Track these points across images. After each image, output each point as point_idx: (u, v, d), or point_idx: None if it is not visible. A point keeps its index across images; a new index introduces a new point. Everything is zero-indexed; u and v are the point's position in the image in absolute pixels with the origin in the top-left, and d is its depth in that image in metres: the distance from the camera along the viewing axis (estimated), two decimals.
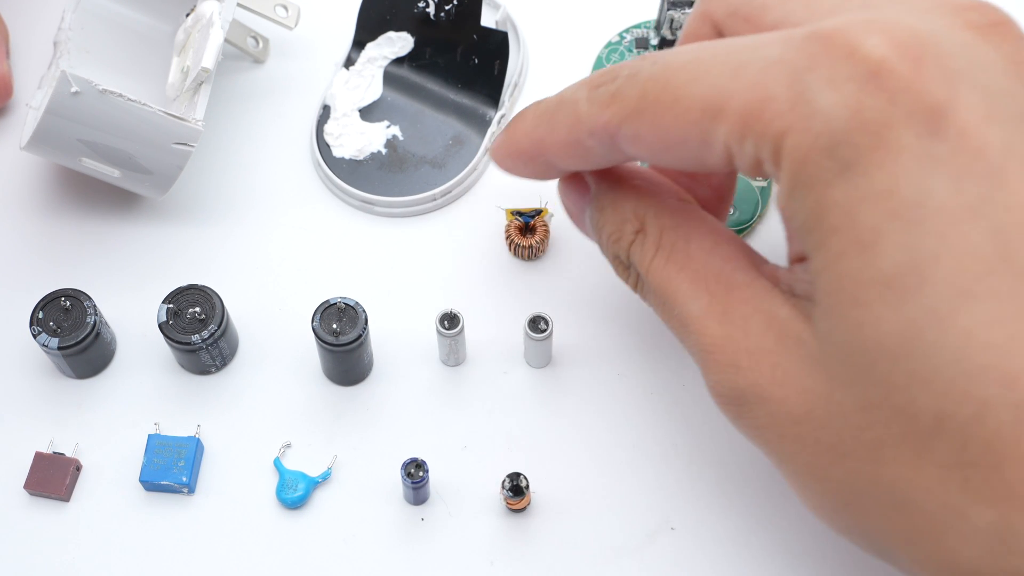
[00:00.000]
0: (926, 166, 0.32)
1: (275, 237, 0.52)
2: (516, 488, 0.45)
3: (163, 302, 0.47)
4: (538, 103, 0.42)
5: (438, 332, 0.47)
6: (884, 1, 0.36)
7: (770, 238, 0.52)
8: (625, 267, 0.42)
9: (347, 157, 0.53)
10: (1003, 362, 0.31)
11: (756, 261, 0.39)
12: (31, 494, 0.46)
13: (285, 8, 0.54)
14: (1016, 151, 0.32)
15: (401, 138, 0.53)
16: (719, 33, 0.40)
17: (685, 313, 0.39)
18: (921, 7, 0.36)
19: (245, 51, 0.55)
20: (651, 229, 0.41)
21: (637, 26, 0.56)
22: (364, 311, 0.46)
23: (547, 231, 0.51)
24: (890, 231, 0.32)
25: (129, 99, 0.46)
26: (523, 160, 0.43)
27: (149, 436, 0.47)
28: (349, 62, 0.55)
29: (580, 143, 0.40)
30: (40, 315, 0.47)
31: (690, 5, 0.53)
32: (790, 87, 0.34)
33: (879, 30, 0.33)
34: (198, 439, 0.47)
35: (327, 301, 0.46)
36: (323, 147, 0.53)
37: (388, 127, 0.53)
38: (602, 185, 0.42)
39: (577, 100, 0.40)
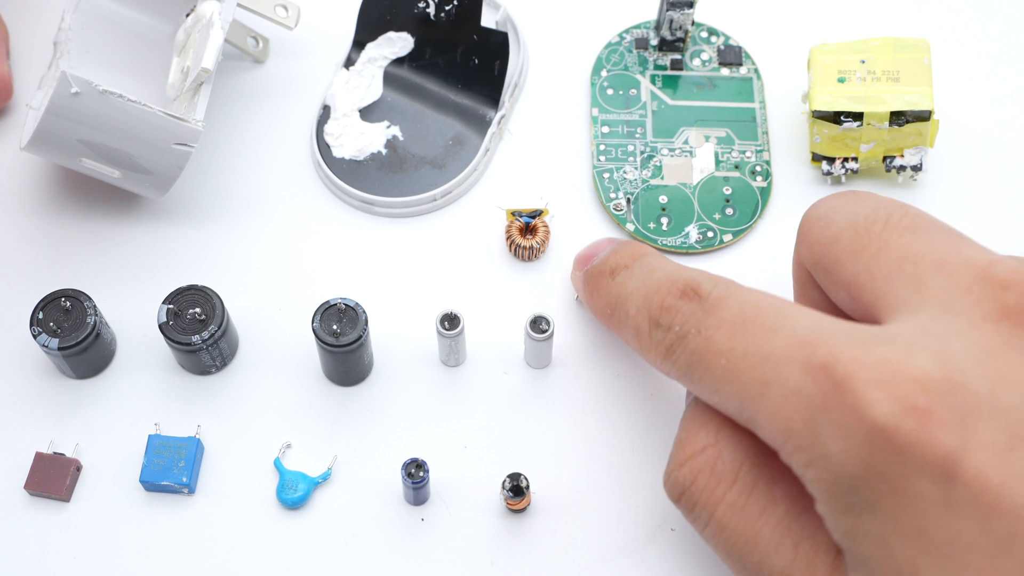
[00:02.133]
0: (948, 510, 0.33)
1: (275, 237, 0.52)
2: (516, 488, 0.45)
3: (163, 302, 0.47)
4: (604, 271, 0.45)
5: (438, 332, 0.47)
6: (923, 286, 0.37)
7: (770, 238, 0.52)
8: (690, 506, 0.41)
9: (347, 157, 0.53)
10: None
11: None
12: (31, 494, 0.46)
13: (285, 8, 0.53)
14: None
15: (401, 138, 0.53)
16: (811, 278, 0.42)
17: (767, 565, 0.38)
18: (960, 289, 0.36)
19: (245, 51, 0.55)
20: (728, 456, 0.40)
21: (637, 26, 0.56)
22: (364, 312, 0.46)
23: (548, 231, 0.51)
24: (926, 565, 0.33)
25: (129, 99, 0.46)
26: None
27: (149, 436, 0.47)
28: (349, 62, 0.55)
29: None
30: (40, 315, 0.47)
31: (689, 6, 0.53)
32: (807, 425, 0.35)
33: (886, 382, 0.34)
34: (198, 439, 0.47)
35: (327, 302, 0.46)
36: (323, 147, 0.53)
37: (388, 127, 0.53)
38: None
39: (639, 326, 0.42)
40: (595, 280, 0.46)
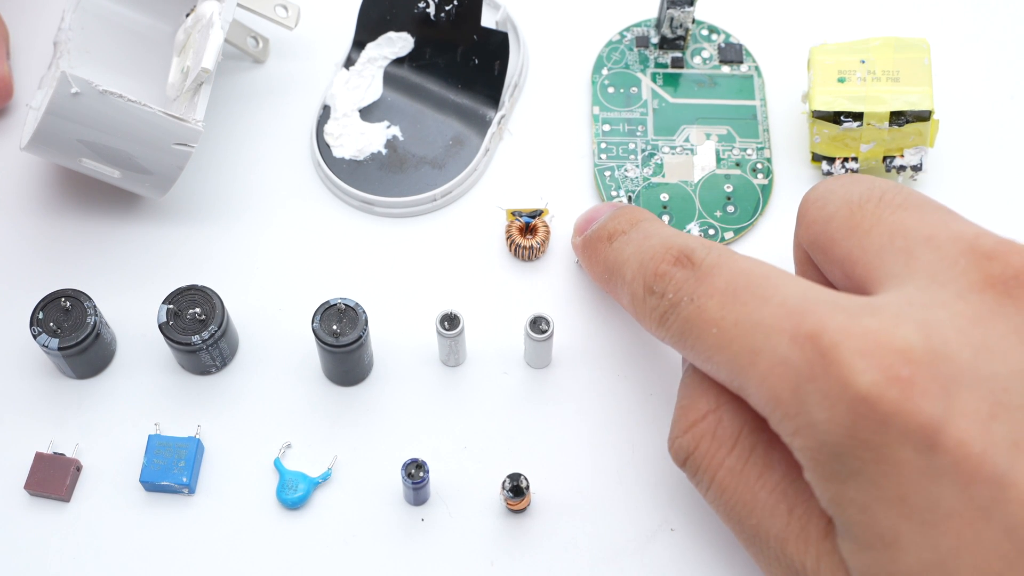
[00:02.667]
0: (930, 476, 0.33)
1: (275, 237, 0.52)
2: (516, 489, 0.45)
3: (163, 302, 0.47)
4: (602, 236, 0.46)
5: (438, 332, 0.47)
6: (912, 259, 0.37)
7: (771, 236, 0.52)
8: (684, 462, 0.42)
9: (347, 157, 0.53)
10: None
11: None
12: (31, 494, 0.46)
13: (285, 8, 0.53)
14: (1023, 445, 0.33)
15: (401, 138, 0.53)
16: (809, 258, 0.43)
17: (764, 528, 0.39)
18: (947, 261, 0.36)
19: (245, 51, 0.55)
20: (728, 421, 0.41)
21: (637, 25, 0.56)
22: (364, 312, 0.46)
23: (548, 231, 0.51)
24: (908, 532, 0.34)
25: (129, 100, 0.46)
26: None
27: (149, 436, 0.47)
28: (349, 62, 0.55)
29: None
30: (40, 315, 0.47)
31: (690, 4, 0.53)
32: (793, 393, 0.36)
33: (871, 352, 0.34)
34: (198, 439, 0.47)
35: (327, 302, 0.46)
36: (323, 147, 0.53)
37: (388, 127, 0.53)
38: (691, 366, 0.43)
39: (634, 292, 0.43)
40: (593, 245, 0.47)
